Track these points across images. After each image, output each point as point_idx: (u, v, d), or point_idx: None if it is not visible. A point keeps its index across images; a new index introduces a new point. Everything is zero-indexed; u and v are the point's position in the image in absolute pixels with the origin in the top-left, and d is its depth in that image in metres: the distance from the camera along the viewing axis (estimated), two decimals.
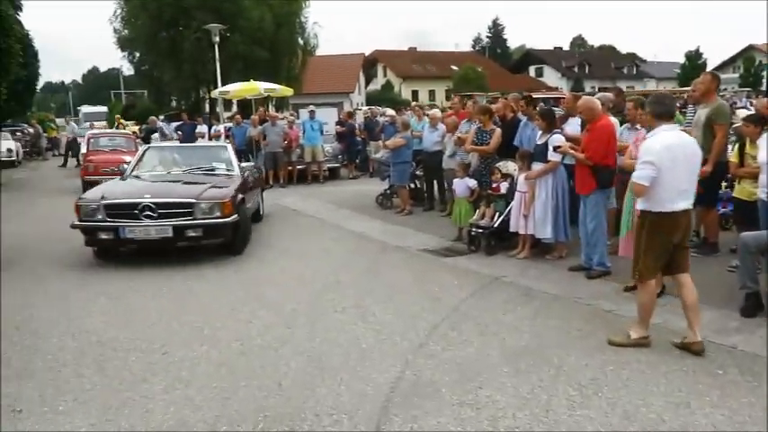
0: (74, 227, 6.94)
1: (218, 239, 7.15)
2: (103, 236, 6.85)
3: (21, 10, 15.67)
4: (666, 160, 4.09)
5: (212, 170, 8.29)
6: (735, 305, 4.90)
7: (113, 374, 4.10)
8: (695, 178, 4.32)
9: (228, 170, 8.33)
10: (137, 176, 8.11)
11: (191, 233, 6.84)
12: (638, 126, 6.27)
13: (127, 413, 3.55)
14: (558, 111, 8.38)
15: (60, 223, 10.04)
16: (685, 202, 4.23)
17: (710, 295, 5.09)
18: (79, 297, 5.88)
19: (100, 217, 6.82)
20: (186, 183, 7.67)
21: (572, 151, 5.97)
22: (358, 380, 3.93)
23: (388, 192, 10.88)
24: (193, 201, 6.86)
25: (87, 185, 13.42)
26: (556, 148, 6.22)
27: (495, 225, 7.17)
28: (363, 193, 12.06)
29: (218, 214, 6.90)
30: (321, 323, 4.99)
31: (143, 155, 8.81)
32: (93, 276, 6.66)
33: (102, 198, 6.93)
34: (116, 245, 7.10)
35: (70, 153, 21.75)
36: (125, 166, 8.97)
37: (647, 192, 4.16)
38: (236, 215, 7.11)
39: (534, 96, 10.33)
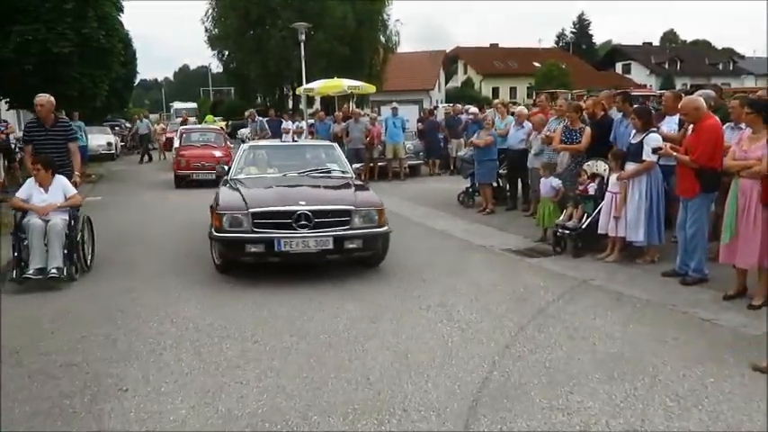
0: (216, 238, 6.12)
1: (371, 252, 6.34)
2: (253, 249, 5.90)
3: (122, 11, 16.58)
4: None
5: (328, 172, 7.45)
6: None
7: (210, 360, 4.28)
8: None
9: (344, 172, 7.47)
10: (248, 179, 7.12)
11: (349, 245, 6.02)
12: (741, 125, 5.93)
13: (224, 397, 3.70)
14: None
15: (154, 211, 10.59)
16: None
17: None
18: (176, 284, 6.19)
19: (247, 227, 5.94)
20: (327, 187, 6.90)
21: (674, 153, 5.69)
22: (445, 378, 3.93)
23: (470, 190, 10.81)
24: (352, 208, 6.08)
25: (179, 180, 14.36)
26: (655, 150, 5.96)
27: (583, 226, 6.98)
28: (444, 191, 12.03)
29: (375, 223, 6.17)
30: (406, 320, 5.02)
31: (245, 154, 7.82)
32: (186, 265, 6.98)
33: (248, 206, 6.04)
34: (265, 259, 6.07)
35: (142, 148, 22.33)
36: (224, 166, 8.06)
37: None
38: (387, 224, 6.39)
39: (638, 93, 9.95)
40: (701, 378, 3.88)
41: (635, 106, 7.13)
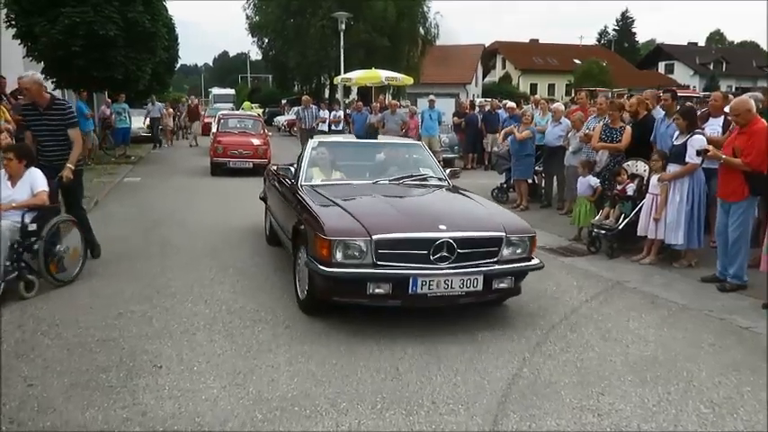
0: (325, 275, 4.37)
1: (516, 292, 4.93)
2: (377, 290, 4.35)
3: None
4: None
5: (425, 179, 6.02)
6: None
7: (241, 342, 4.35)
8: None
9: (440, 179, 6.07)
10: (333, 187, 5.62)
11: (499, 284, 4.59)
12: None
13: (255, 379, 3.76)
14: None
15: (189, 195, 10.74)
16: None
17: None
18: (211, 267, 6.29)
19: (368, 260, 4.35)
20: (450, 203, 5.46)
21: (725, 156, 5.53)
22: (474, 372, 3.92)
23: (505, 185, 10.73)
24: (503, 235, 4.61)
25: (215, 167, 14.11)
26: (700, 152, 5.81)
27: (621, 227, 6.87)
28: (478, 186, 11.85)
29: (526, 253, 4.75)
30: (435, 313, 5.01)
31: (315, 153, 6.17)
32: (220, 249, 7.07)
33: (370, 230, 4.39)
34: (384, 302, 4.48)
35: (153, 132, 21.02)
36: (289, 167, 6.12)
37: None
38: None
39: (680, 94, 9.72)
40: (737, 386, 3.79)
41: (679, 107, 6.96)
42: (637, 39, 77.59)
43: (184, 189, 11.93)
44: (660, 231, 6.43)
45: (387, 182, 5.76)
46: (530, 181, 10.34)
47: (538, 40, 63.00)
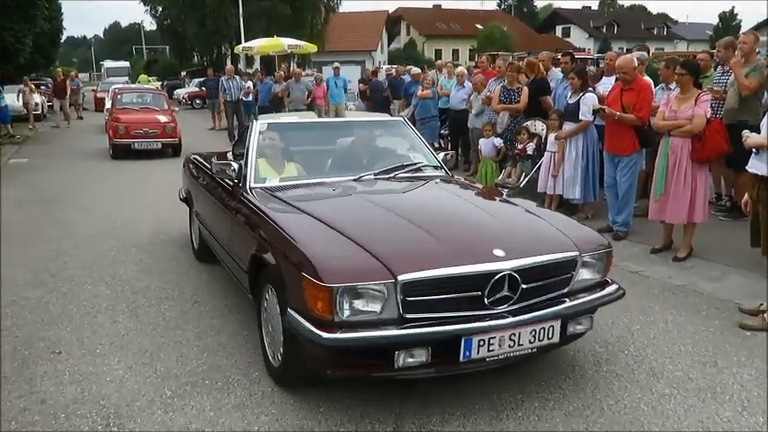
0: (328, 345, 2.72)
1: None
2: (409, 359, 2.79)
3: None
4: None
5: (418, 170, 4.39)
6: (763, 270, 4.85)
7: (147, 321, 4.20)
8: None
9: (435, 167, 4.52)
10: (306, 192, 3.97)
11: (576, 327, 3.20)
12: (671, 86, 6.13)
13: (162, 357, 3.65)
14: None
15: (87, 175, 10.15)
16: None
17: (741, 260, 5.06)
18: (111, 246, 6.01)
19: (391, 314, 2.78)
20: (475, 205, 3.80)
21: (619, 113, 5.77)
22: None
23: None
24: (576, 255, 3.16)
25: (117, 149, 12.41)
26: (597, 111, 6.03)
27: (522, 185, 7.13)
28: None
29: (602, 275, 3.35)
30: None
31: (266, 142, 4.34)
32: (119, 228, 6.77)
33: (392, 267, 2.79)
34: (415, 374, 2.94)
35: None
36: (231, 164, 4.11)
37: None
38: None
39: (576, 56, 10.09)
40: (628, 326, 4.08)
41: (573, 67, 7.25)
42: (535, 4, 79.87)
43: (81, 171, 11.26)
44: (558, 187, 6.73)
45: (372, 177, 4.14)
46: (436, 144, 10.51)
47: (440, 6, 63.54)
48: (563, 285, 3.13)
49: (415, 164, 4.42)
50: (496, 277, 2.86)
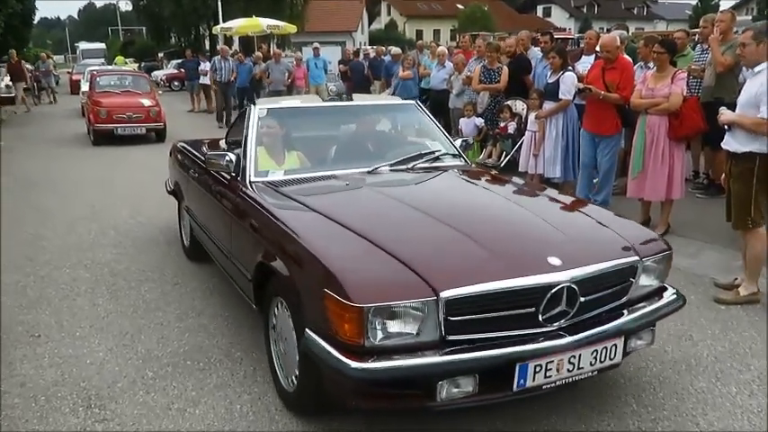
0: (358, 376, 2.27)
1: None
2: (454, 389, 2.36)
3: None
4: None
5: (436, 158, 3.93)
6: (738, 246, 4.95)
7: (127, 303, 4.18)
8: None
9: (454, 155, 4.08)
10: (316, 189, 3.44)
11: (636, 343, 2.81)
12: (649, 65, 6.17)
13: (143, 339, 3.64)
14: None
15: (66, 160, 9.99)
16: None
17: (716, 236, 5.15)
18: (90, 228, 5.94)
19: (432, 336, 2.36)
20: (518, 204, 3.30)
21: (603, 93, 5.74)
22: None
23: None
24: (636, 260, 2.77)
25: (99, 135, 11.75)
26: (583, 90, 5.94)
27: (502, 164, 7.16)
28: None
29: (662, 279, 2.99)
30: None
31: (266, 129, 3.82)
32: (99, 210, 6.69)
33: (431, 281, 2.36)
34: (459, 404, 2.43)
35: None
36: (229, 155, 3.65)
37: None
38: None
39: (556, 36, 10.08)
40: None
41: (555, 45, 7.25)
42: None
43: (58, 157, 11.08)
44: (539, 166, 6.76)
45: (388, 169, 3.68)
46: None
47: None
48: (620, 295, 2.74)
49: (433, 152, 3.93)
50: (554, 290, 2.45)
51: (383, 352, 2.30)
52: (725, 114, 4.01)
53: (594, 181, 6.22)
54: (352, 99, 4.58)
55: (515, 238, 2.78)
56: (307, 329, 2.47)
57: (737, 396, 3.01)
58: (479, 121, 7.92)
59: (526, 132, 6.93)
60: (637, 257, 2.76)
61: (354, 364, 2.25)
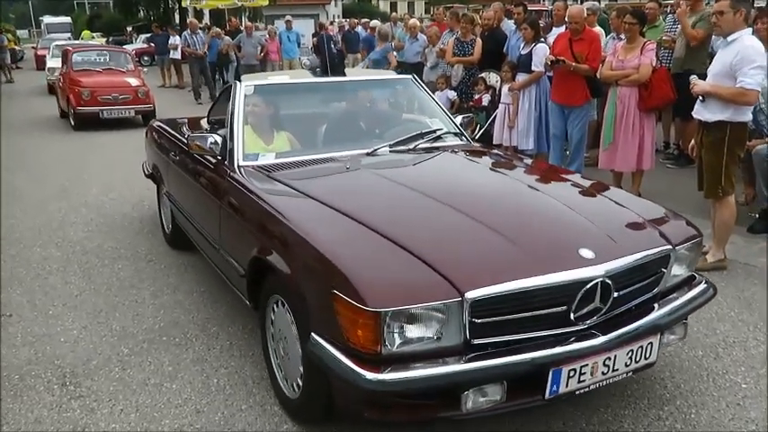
0: (375, 388, 2.03)
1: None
2: (481, 398, 2.13)
3: None
4: None
5: (437, 138, 3.67)
6: (707, 214, 5.05)
7: (101, 281, 4.14)
8: None
9: (456, 134, 3.82)
10: (288, 162, 3.26)
11: (669, 337, 2.61)
12: (621, 36, 6.20)
13: (118, 316, 3.62)
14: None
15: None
16: None
17: (686, 205, 5.24)
18: (60, 207, 5.85)
19: (456, 341, 2.13)
20: (537, 189, 3.02)
21: (574, 64, 5.73)
22: None
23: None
24: (669, 249, 2.54)
25: (81, 119, 10.56)
26: (555, 62, 5.88)
27: (476, 137, 7.17)
28: None
29: (690, 270, 2.79)
30: None
31: (253, 108, 3.52)
32: (69, 188, 6.58)
33: (454, 280, 2.10)
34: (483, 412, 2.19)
35: None
36: (214, 137, 3.36)
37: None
38: None
39: (530, 8, 10.00)
40: None
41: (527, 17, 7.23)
42: None
43: (28, 137, 10.81)
44: (514, 138, 6.80)
45: (388, 149, 3.40)
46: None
47: None
48: (652, 287, 2.53)
49: (434, 131, 3.66)
50: (587, 286, 2.23)
51: (401, 359, 2.07)
52: (699, 84, 4.04)
53: (567, 152, 6.28)
54: (344, 74, 4.17)
55: (542, 229, 2.49)
56: (312, 333, 2.22)
57: (704, 359, 3.11)
58: (452, 94, 7.89)
59: (500, 105, 6.95)
60: (669, 246, 2.53)
61: (369, 375, 2.02)
